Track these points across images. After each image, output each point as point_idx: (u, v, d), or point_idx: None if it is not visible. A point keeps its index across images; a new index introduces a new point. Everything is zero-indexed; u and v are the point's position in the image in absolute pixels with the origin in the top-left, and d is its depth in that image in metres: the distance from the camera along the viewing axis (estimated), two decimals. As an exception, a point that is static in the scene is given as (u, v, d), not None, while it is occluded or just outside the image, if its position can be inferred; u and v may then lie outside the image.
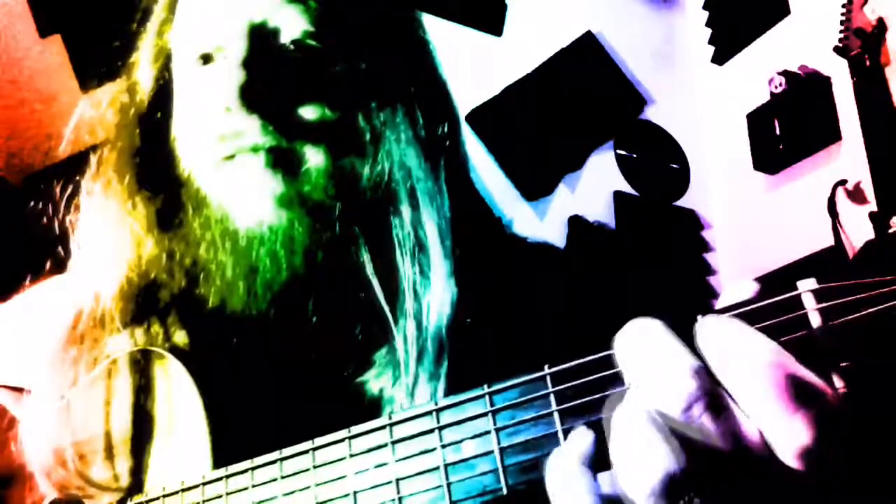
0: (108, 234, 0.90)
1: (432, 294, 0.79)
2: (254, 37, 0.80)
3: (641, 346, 0.48)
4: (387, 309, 0.81)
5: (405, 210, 0.83)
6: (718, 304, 0.49)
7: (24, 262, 0.96)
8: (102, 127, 0.94)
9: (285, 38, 0.81)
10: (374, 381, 0.79)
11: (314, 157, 0.82)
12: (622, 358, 0.49)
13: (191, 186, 0.86)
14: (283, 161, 0.81)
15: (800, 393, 0.42)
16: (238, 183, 0.83)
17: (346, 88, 0.83)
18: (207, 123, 0.82)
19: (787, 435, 0.43)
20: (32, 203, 0.96)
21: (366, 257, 0.83)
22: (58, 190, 0.95)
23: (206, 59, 0.83)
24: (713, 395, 0.45)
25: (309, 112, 0.82)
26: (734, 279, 3.25)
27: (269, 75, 0.80)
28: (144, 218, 0.89)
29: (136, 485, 0.79)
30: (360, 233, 0.82)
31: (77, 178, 0.95)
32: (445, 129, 0.89)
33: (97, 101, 0.96)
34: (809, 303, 0.45)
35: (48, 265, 0.98)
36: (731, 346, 0.45)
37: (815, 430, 0.42)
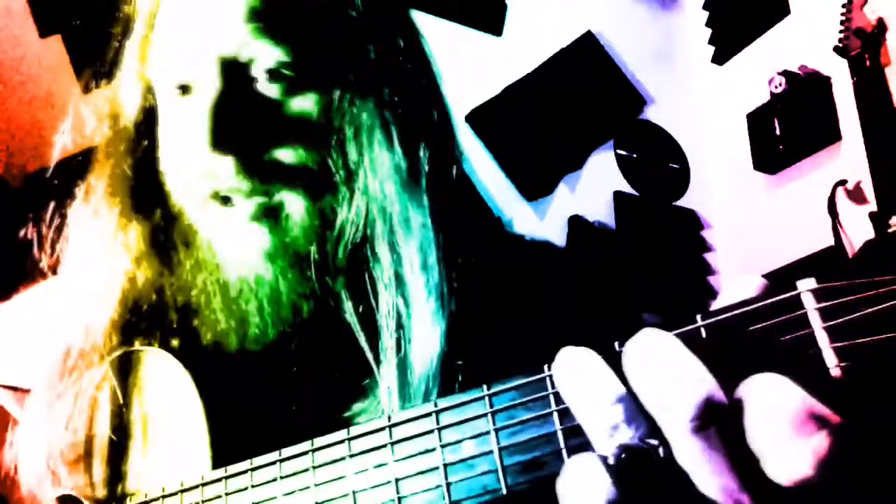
0: (101, 259, 0.89)
1: (416, 337, 0.78)
2: (226, 72, 0.79)
3: (570, 376, 0.49)
4: (370, 357, 0.80)
5: (384, 250, 0.81)
6: (719, 302, 0.49)
7: (20, 268, 0.96)
8: (91, 145, 0.93)
9: (258, 69, 0.80)
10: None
11: (294, 204, 0.81)
12: (559, 389, 0.50)
13: (182, 222, 0.86)
14: (267, 211, 0.80)
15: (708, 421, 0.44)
16: (225, 229, 0.82)
17: (321, 123, 0.81)
18: (189, 160, 0.81)
19: (703, 477, 0.44)
20: (23, 229, 0.95)
21: (347, 305, 0.82)
22: (49, 211, 0.94)
23: (185, 89, 0.82)
24: (637, 421, 0.46)
25: (284, 155, 0.81)
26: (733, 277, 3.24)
27: (242, 114, 0.79)
28: (138, 246, 0.88)
29: (129, 487, 0.79)
30: (341, 280, 0.81)
31: (68, 199, 0.93)
32: (433, 151, 0.87)
33: (84, 114, 0.95)
34: (809, 302, 0.45)
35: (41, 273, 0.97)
36: (655, 373, 0.46)
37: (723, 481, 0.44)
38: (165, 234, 0.86)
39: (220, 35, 0.81)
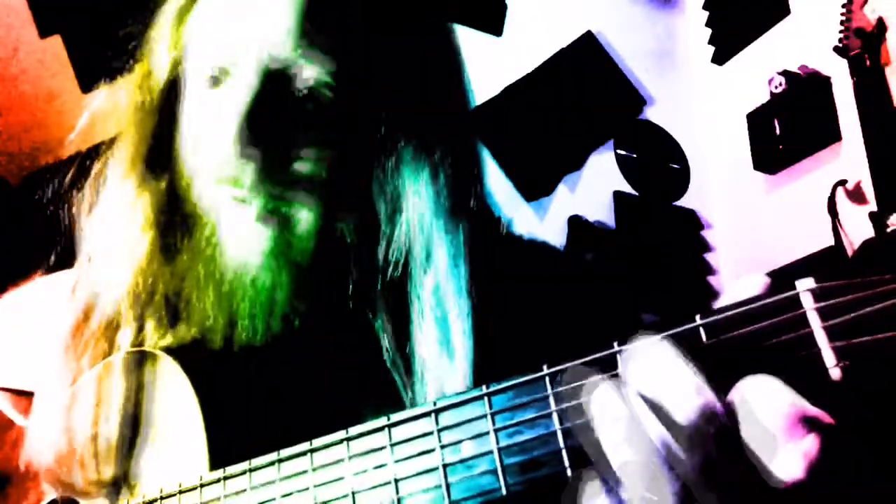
0: (116, 228, 0.89)
1: (453, 375, 0.78)
2: (265, 80, 0.78)
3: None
4: (406, 394, 0.79)
5: (426, 284, 0.81)
6: (722, 301, 0.49)
7: (26, 256, 0.96)
8: (118, 115, 0.92)
9: (299, 84, 0.79)
10: None
11: (305, 219, 0.80)
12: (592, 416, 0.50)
13: (187, 208, 0.85)
14: (275, 218, 0.79)
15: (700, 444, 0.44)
16: (229, 227, 0.81)
17: (358, 150, 0.81)
18: (207, 157, 0.81)
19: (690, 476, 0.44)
20: (41, 192, 0.95)
21: (384, 338, 0.81)
22: (69, 178, 0.93)
23: (216, 81, 0.81)
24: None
25: (306, 170, 0.80)
26: (734, 278, 3.25)
27: (273, 125, 0.78)
28: (146, 217, 0.88)
29: (129, 485, 0.79)
30: (379, 313, 0.81)
31: (89, 166, 0.93)
32: (474, 189, 0.88)
33: (114, 91, 0.94)
34: (808, 302, 0.45)
35: (53, 257, 0.97)
36: (652, 384, 0.46)
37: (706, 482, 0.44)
38: (169, 220, 0.86)
39: (267, 42, 0.80)
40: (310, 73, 0.79)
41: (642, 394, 0.46)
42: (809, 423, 0.42)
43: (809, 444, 0.42)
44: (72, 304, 0.90)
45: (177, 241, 0.84)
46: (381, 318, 0.80)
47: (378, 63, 0.84)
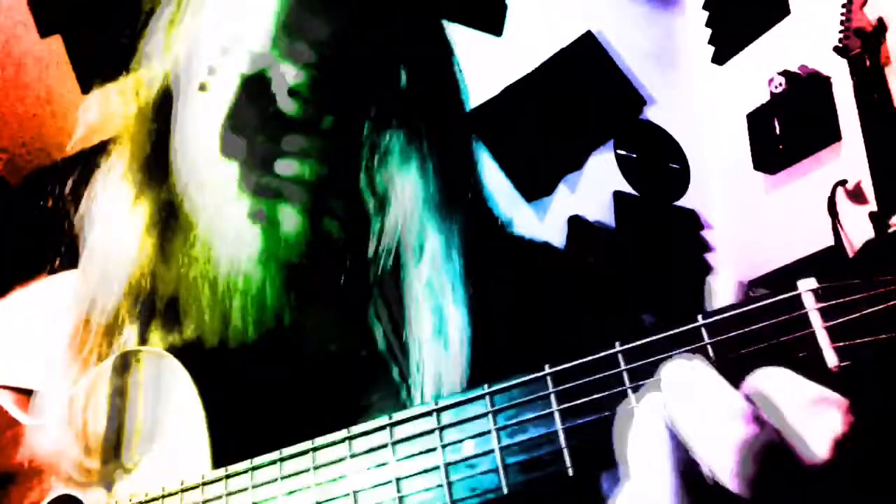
0: (115, 232, 0.90)
1: (448, 366, 0.79)
2: (245, 85, 0.79)
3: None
4: (402, 384, 0.80)
5: (421, 272, 0.82)
6: (717, 304, 0.49)
7: (31, 256, 0.96)
8: (116, 120, 0.93)
9: (278, 86, 0.80)
10: None
11: (292, 219, 0.81)
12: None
13: (182, 212, 0.86)
14: (262, 217, 0.80)
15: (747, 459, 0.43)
16: (220, 227, 0.82)
17: (341, 144, 0.82)
18: (195, 161, 0.82)
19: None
20: (43, 198, 0.96)
21: (379, 328, 0.82)
22: (70, 184, 0.94)
23: (202, 87, 0.82)
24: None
25: (289, 170, 0.81)
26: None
27: (253, 128, 0.79)
28: (145, 225, 0.89)
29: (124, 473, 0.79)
30: (372, 304, 0.82)
31: (90, 171, 0.94)
32: (469, 179, 0.90)
33: (107, 94, 0.96)
34: (809, 302, 0.45)
35: (57, 258, 0.98)
36: (691, 403, 0.46)
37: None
38: (167, 225, 0.87)
39: (246, 47, 0.81)
40: (290, 72, 0.80)
41: (674, 422, 0.46)
42: (829, 403, 0.42)
43: (834, 420, 0.42)
44: (74, 304, 0.90)
45: (173, 245, 0.85)
46: (374, 308, 0.81)
47: (363, 54, 0.84)
